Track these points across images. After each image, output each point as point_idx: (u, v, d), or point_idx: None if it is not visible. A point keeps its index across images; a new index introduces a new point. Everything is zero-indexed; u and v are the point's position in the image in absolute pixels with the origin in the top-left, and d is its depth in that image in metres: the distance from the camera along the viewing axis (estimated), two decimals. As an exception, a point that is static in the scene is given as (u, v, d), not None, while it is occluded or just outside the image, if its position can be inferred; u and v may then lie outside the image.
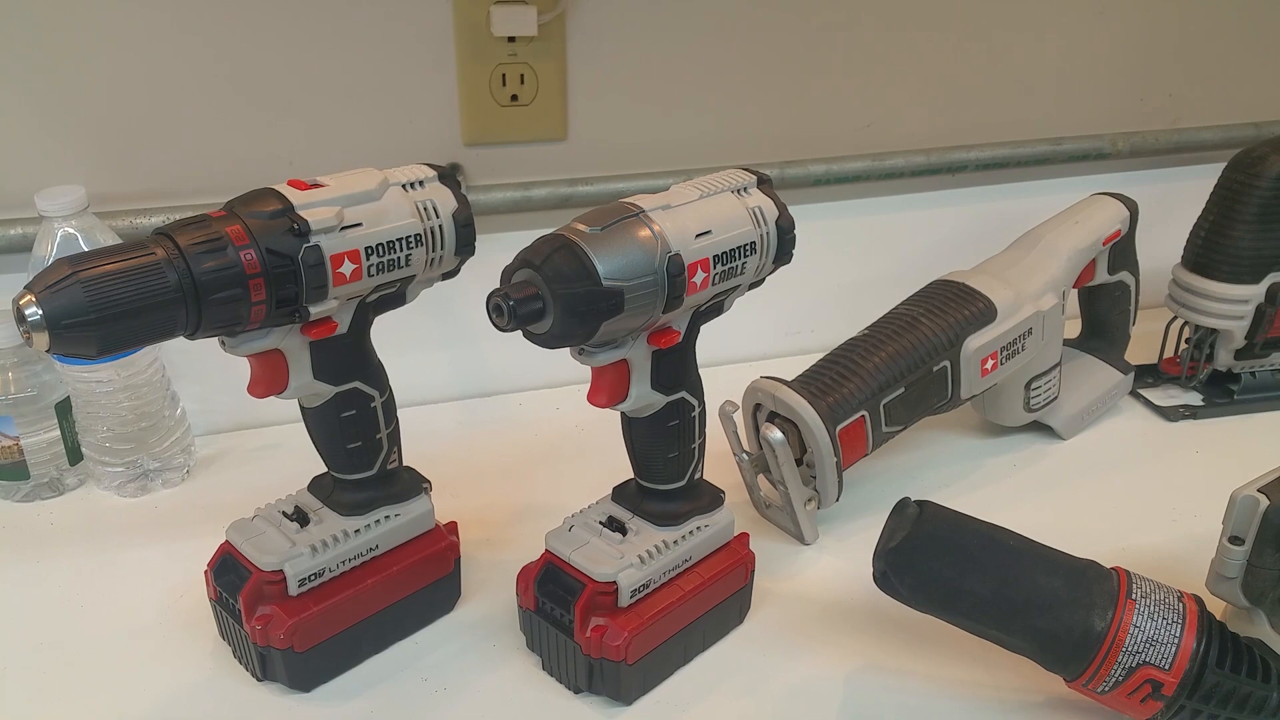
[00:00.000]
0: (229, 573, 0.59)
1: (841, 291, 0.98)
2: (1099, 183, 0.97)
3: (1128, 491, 0.79)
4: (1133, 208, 0.85)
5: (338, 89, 0.79)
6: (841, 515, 0.75)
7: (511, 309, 0.48)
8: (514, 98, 0.82)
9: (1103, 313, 0.89)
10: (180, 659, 0.62)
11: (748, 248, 0.55)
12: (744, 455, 0.72)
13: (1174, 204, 0.91)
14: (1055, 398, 0.84)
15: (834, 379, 0.71)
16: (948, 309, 0.75)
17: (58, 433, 0.75)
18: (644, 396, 0.56)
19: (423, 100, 0.81)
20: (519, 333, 0.50)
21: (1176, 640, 0.53)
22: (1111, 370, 0.89)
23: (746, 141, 0.91)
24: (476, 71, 0.80)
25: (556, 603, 0.58)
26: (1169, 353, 0.93)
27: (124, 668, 0.61)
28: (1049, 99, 0.98)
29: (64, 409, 0.74)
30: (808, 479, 0.71)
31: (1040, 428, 0.86)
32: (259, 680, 0.60)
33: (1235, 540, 0.56)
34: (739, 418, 0.72)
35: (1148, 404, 0.90)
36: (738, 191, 0.57)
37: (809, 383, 0.71)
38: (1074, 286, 0.85)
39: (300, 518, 0.60)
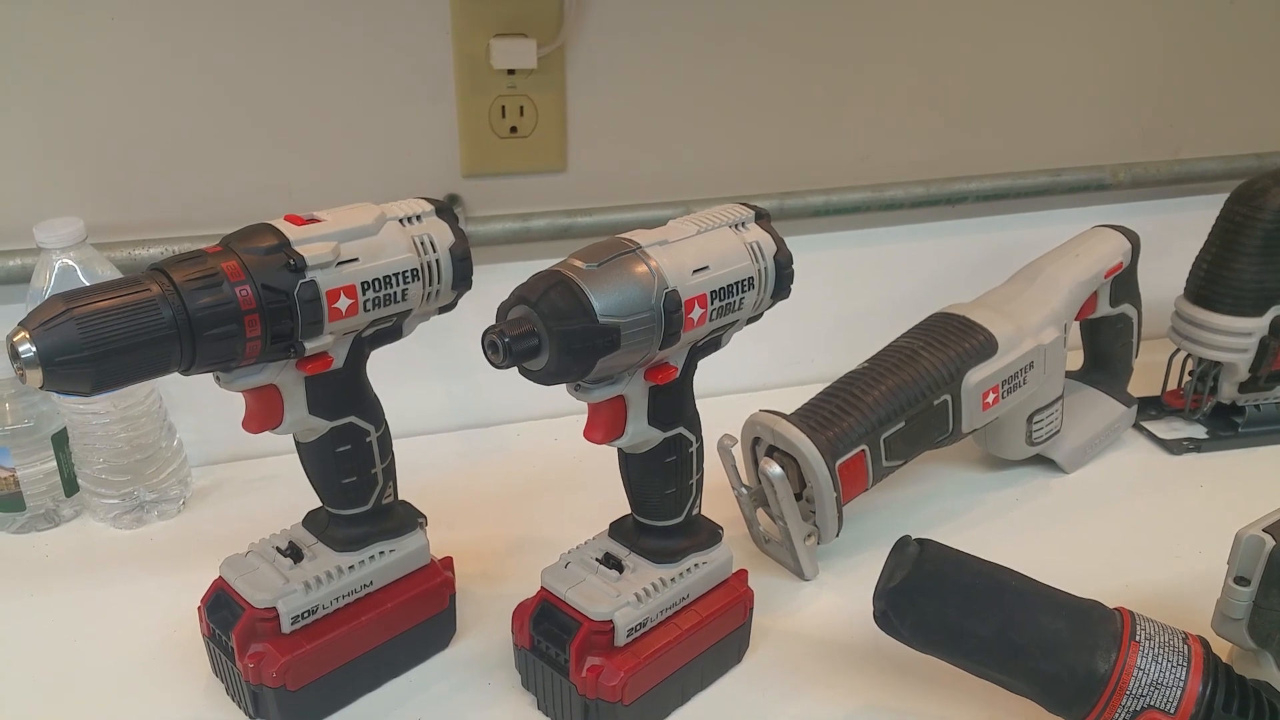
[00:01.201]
0: (222, 609, 0.58)
1: (841, 323, 0.97)
2: (1100, 214, 0.97)
3: (1131, 526, 0.79)
4: (1134, 240, 0.84)
5: (338, 120, 0.79)
6: (841, 550, 0.74)
7: (507, 346, 0.48)
8: (513, 129, 0.82)
9: (1105, 345, 0.89)
10: (172, 695, 0.61)
11: (745, 283, 0.55)
12: (743, 489, 0.72)
13: (1175, 235, 0.91)
14: (1058, 431, 0.83)
15: (833, 412, 0.71)
16: (948, 342, 0.75)
17: (54, 464, 0.74)
18: (641, 433, 0.56)
19: (422, 132, 0.81)
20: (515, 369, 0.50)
21: (1182, 684, 0.52)
22: (1114, 403, 0.88)
23: (746, 172, 0.91)
24: (476, 103, 0.80)
25: (552, 641, 0.57)
26: (1172, 385, 0.93)
27: (116, 703, 0.60)
28: (1049, 129, 0.98)
29: (60, 440, 0.74)
30: (807, 514, 0.70)
31: (1042, 461, 0.85)
32: (251, 718, 0.59)
33: (1241, 581, 0.55)
34: (737, 451, 0.72)
35: (1151, 437, 0.90)
36: (735, 226, 0.56)
37: (808, 416, 0.71)
38: (1076, 319, 0.85)
39: (294, 553, 0.59)
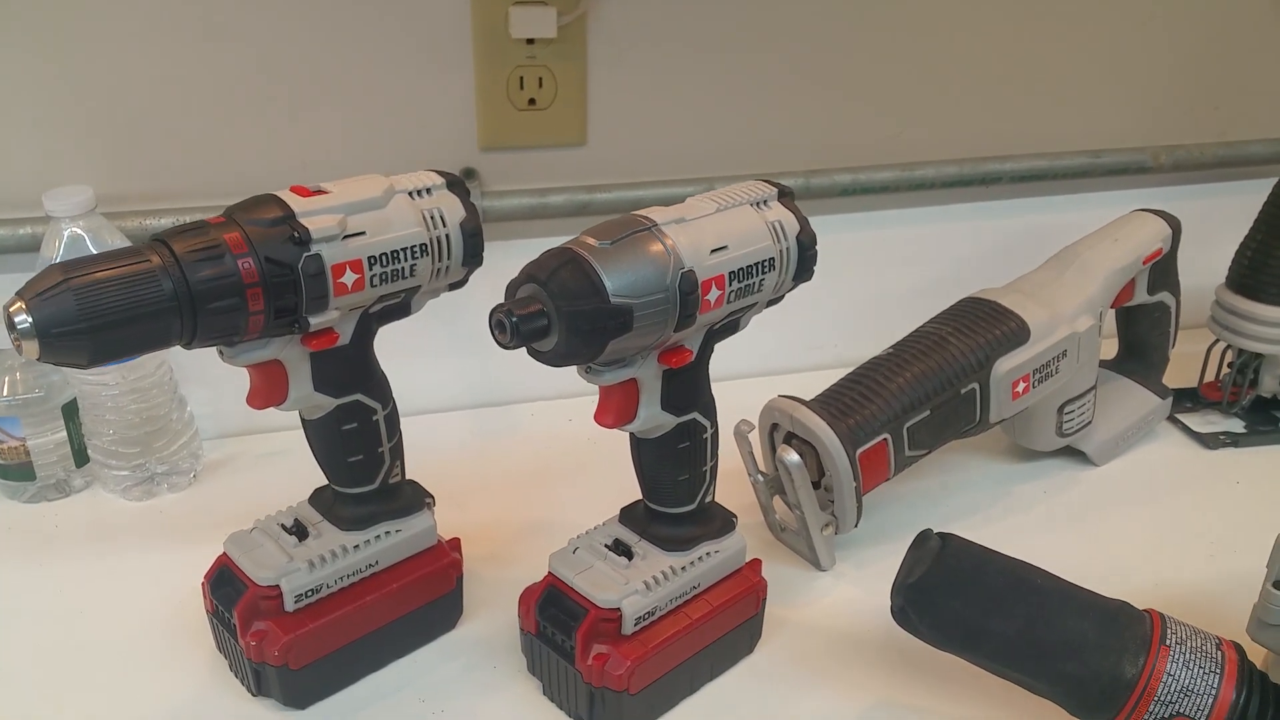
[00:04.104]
0: (225, 585, 0.57)
1: (867, 306, 0.95)
2: (1140, 197, 0.93)
3: (1163, 523, 0.76)
4: (1175, 225, 0.81)
5: (352, 90, 0.77)
6: (861, 541, 0.72)
7: (514, 326, 0.46)
8: (532, 101, 0.80)
9: (1141, 334, 0.86)
10: (176, 670, 0.60)
11: (766, 264, 0.53)
12: (759, 476, 0.70)
13: (1219, 221, 0.88)
14: (1089, 422, 0.81)
15: (856, 399, 0.69)
16: (978, 329, 0.72)
17: (64, 435, 0.74)
18: (653, 417, 0.54)
19: (439, 103, 0.79)
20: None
21: (1214, 691, 0.50)
22: (1148, 394, 0.85)
23: (771, 149, 0.88)
24: (494, 74, 0.78)
25: (558, 628, 0.56)
26: (1210, 377, 0.90)
27: (119, 676, 0.60)
28: (1089, 109, 0.94)
29: (71, 411, 0.73)
30: (825, 503, 0.69)
31: (1072, 453, 0.83)
32: (254, 695, 0.58)
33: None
34: (755, 437, 0.70)
35: (1186, 430, 0.87)
36: (757, 204, 0.54)
37: (829, 403, 0.69)
38: (1111, 307, 0.82)
39: (299, 531, 0.58)
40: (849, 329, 0.95)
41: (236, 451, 0.82)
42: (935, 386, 0.70)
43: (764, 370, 0.93)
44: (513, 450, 0.83)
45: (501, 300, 0.47)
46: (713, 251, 0.51)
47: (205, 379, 0.80)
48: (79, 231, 0.66)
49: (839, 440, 0.66)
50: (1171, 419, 0.88)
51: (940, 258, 0.95)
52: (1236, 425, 0.87)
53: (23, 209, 0.72)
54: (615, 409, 0.53)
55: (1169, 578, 0.70)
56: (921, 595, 0.53)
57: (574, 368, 0.52)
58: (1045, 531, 0.75)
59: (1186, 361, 0.90)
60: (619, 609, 0.54)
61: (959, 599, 0.53)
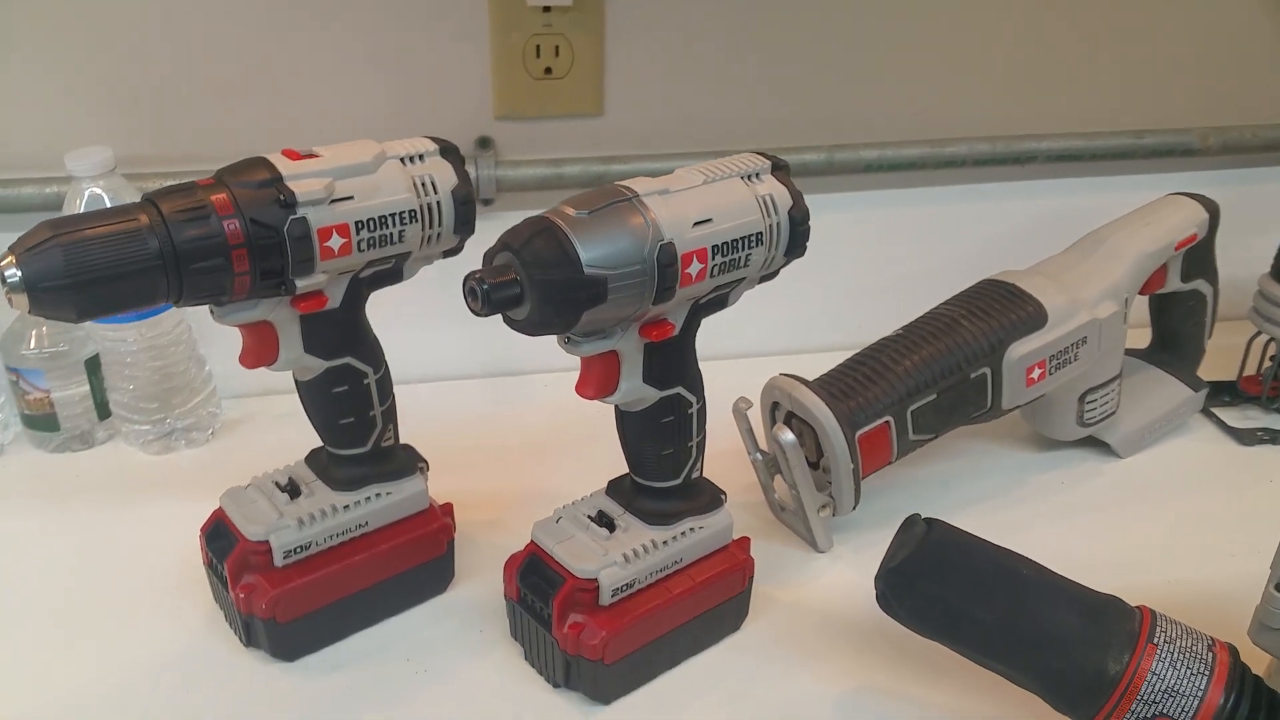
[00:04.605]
0: (220, 539, 0.59)
1: (893, 285, 0.93)
2: (1183, 181, 0.89)
3: (1185, 519, 0.74)
4: (1213, 210, 0.78)
5: (368, 56, 0.78)
6: (862, 524, 0.71)
7: (485, 294, 0.46)
8: (548, 70, 0.79)
9: (1174, 323, 0.83)
10: (175, 618, 0.62)
11: (753, 238, 0.52)
12: (758, 455, 0.69)
13: (1268, 208, 0.84)
14: (1113, 413, 0.78)
15: (859, 381, 0.67)
16: (992, 311, 0.70)
17: (87, 388, 0.76)
18: (634, 390, 0.54)
19: (455, 71, 0.79)
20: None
21: (1200, 693, 0.48)
22: (1180, 386, 0.82)
23: (793, 122, 0.86)
24: (509, 42, 0.78)
25: (538, 595, 0.56)
26: (1250, 370, 0.86)
27: (121, 621, 0.62)
28: (1132, 86, 0.90)
29: (93, 365, 0.76)
30: (824, 484, 0.68)
31: (1096, 443, 0.80)
32: (245, 646, 0.60)
33: (1282, 588, 0.51)
34: (754, 415, 0.69)
35: (1221, 424, 0.84)
36: (748, 177, 0.53)
37: (831, 383, 0.68)
38: (1143, 293, 0.79)
39: (292, 489, 0.60)
40: (872, 309, 0.92)
41: (255, 411, 0.84)
42: (943, 370, 0.68)
43: (783, 349, 0.92)
44: (524, 419, 0.83)
45: (468, 273, 0.47)
46: (696, 224, 0.50)
47: (225, 337, 0.81)
48: (99, 191, 0.68)
49: (836, 421, 0.65)
50: (1206, 413, 0.85)
51: (970, 238, 0.93)
52: (1276, 421, 0.83)
53: (48, 169, 0.74)
54: (596, 381, 0.53)
55: (1183, 575, 0.67)
56: (902, 579, 0.52)
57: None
58: (1058, 522, 0.73)
59: (1227, 354, 0.86)
60: (596, 579, 0.55)
61: (940, 585, 0.52)
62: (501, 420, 0.83)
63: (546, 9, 0.77)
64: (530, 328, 0.48)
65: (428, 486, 0.63)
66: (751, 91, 0.85)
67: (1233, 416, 0.84)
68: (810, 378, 0.68)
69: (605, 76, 0.82)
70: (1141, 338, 0.86)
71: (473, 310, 0.47)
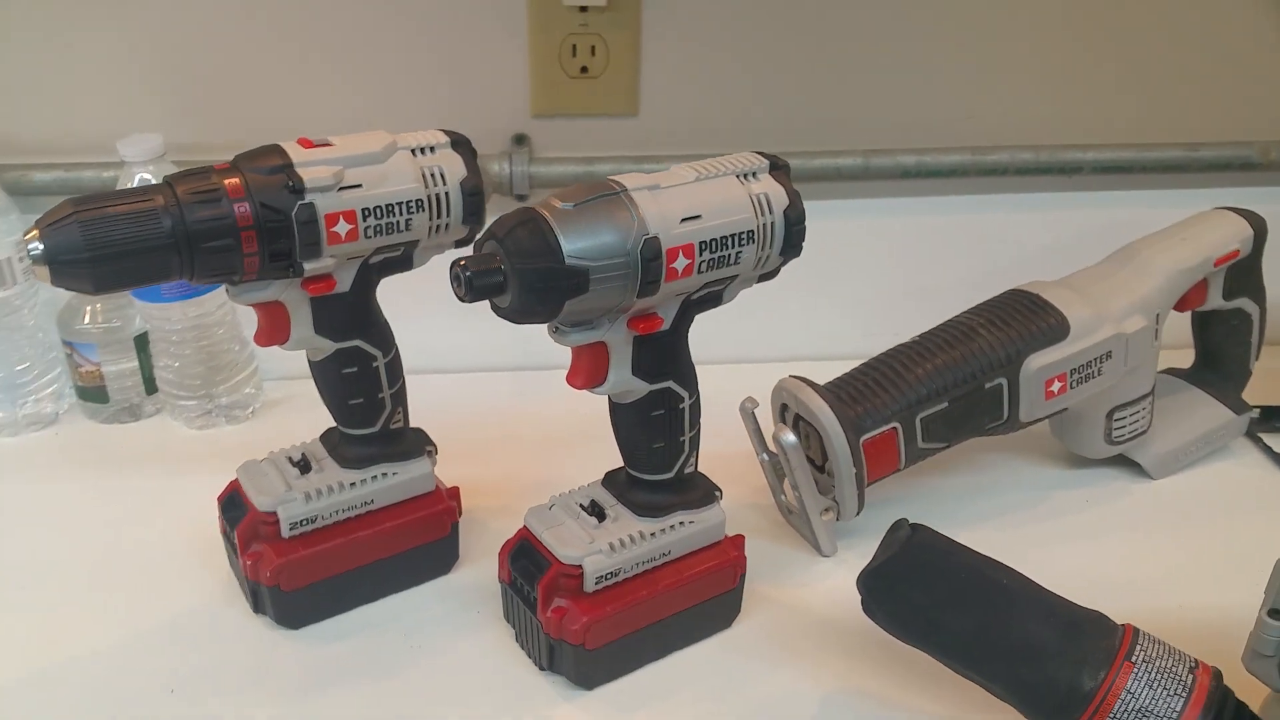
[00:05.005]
0: (234, 509, 0.62)
1: (929, 293, 0.90)
2: (1240, 197, 0.86)
3: (1210, 544, 0.71)
4: (1259, 226, 0.75)
5: (411, 51, 0.80)
6: (871, 531, 0.69)
7: (468, 280, 0.48)
8: (584, 69, 0.81)
9: (1217, 343, 0.80)
10: (193, 583, 0.65)
11: (743, 236, 0.53)
12: (764, 456, 0.69)
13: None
14: (1144, 431, 0.76)
15: (868, 386, 0.67)
16: (1012, 322, 0.69)
17: (136, 364, 0.80)
18: (623, 382, 0.55)
19: (493, 68, 0.81)
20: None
21: (1175, 715, 0.47)
22: (1221, 408, 0.79)
23: (830, 126, 0.86)
24: (546, 41, 0.80)
25: (526, 579, 0.57)
26: (1301, 395, 0.83)
27: (143, 583, 0.66)
28: (1188, 96, 0.87)
29: (142, 342, 0.80)
30: (828, 487, 0.67)
31: (1130, 464, 0.78)
32: (254, 613, 0.63)
33: (1275, 614, 0.49)
34: (761, 415, 0.69)
35: (1268, 451, 0.80)
36: (744, 176, 0.54)
37: (840, 388, 0.68)
38: (1182, 309, 0.77)
39: (304, 465, 0.62)
40: (908, 314, 0.90)
41: (296, 393, 0.87)
42: (957, 378, 0.67)
43: (820, 354, 0.91)
44: (543, 412, 0.85)
45: (453, 260, 0.49)
46: (684, 220, 0.51)
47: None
48: (148, 176, 0.72)
49: (840, 425, 0.64)
50: (1254, 438, 0.82)
51: (1012, 250, 0.91)
52: (1327, 449, 0.80)
53: (100, 154, 0.79)
54: (584, 371, 0.54)
55: (1197, 601, 0.65)
56: (880, 583, 0.52)
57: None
58: (1075, 540, 0.71)
59: (1276, 378, 0.83)
60: (580, 566, 0.56)
61: (918, 589, 0.52)
62: (522, 412, 0.85)
63: (583, 9, 0.79)
64: (514, 315, 0.50)
65: (435, 470, 0.65)
66: (787, 94, 0.85)
67: (1281, 443, 0.81)
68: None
69: (640, 76, 0.83)
70: (1186, 358, 0.84)
71: (458, 296, 0.49)
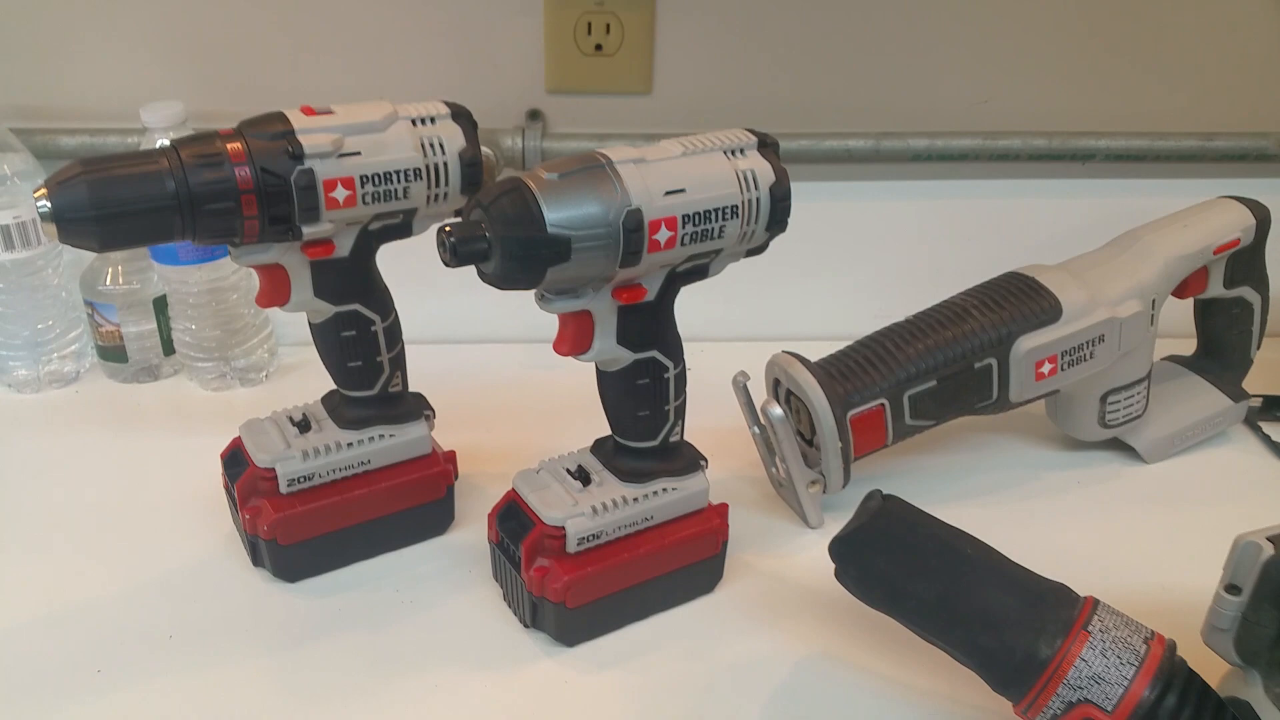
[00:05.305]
0: (236, 465, 0.64)
1: (937, 277, 0.90)
2: (1255, 187, 0.85)
3: (1199, 527, 0.71)
4: (1262, 215, 0.75)
5: (430, 26, 0.82)
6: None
7: (453, 246, 0.49)
8: (598, 47, 0.82)
9: (1217, 331, 0.80)
10: (198, 536, 0.68)
11: (727, 211, 0.54)
12: (755, 429, 0.71)
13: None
14: (1138, 416, 0.76)
15: (858, 364, 0.68)
16: (1005, 304, 0.70)
17: (154, 325, 0.83)
18: (608, 350, 0.56)
19: (510, 45, 0.83)
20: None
21: (1125, 683, 0.48)
22: (1219, 395, 0.79)
23: (842, 108, 0.87)
24: (561, 18, 0.81)
25: (512, 539, 0.59)
26: (1305, 386, 0.82)
27: (149, 535, 0.68)
28: (1204, 85, 0.87)
29: (161, 304, 0.83)
30: (817, 461, 0.69)
31: (1125, 447, 0.78)
32: (254, 566, 0.65)
33: (1232, 589, 0.50)
34: (753, 388, 0.70)
35: (1266, 440, 0.80)
36: (731, 152, 0.55)
37: (831, 365, 0.69)
38: (1182, 296, 0.77)
39: (303, 424, 0.64)
40: (919, 296, 0.91)
41: (310, 358, 0.86)
42: (946, 358, 0.68)
43: (831, 334, 0.92)
44: (553, 382, 0.86)
45: (439, 225, 0.51)
46: (667, 194, 0.52)
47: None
48: (168, 142, 0.74)
49: (826, 400, 0.66)
50: (1253, 426, 0.81)
51: (1022, 235, 0.91)
52: (1328, 440, 0.80)
53: (124, 120, 0.82)
54: (570, 338, 0.56)
55: (1179, 581, 0.65)
56: (848, 549, 0.54)
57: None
58: (1061, 519, 0.72)
59: (1281, 367, 0.83)
60: (563, 527, 0.57)
61: (884, 556, 0.53)
62: (532, 382, 0.87)
63: (597, -12, 0.80)
64: (498, 281, 0.51)
65: (434, 434, 0.67)
66: (799, 75, 0.86)
67: (1281, 432, 0.81)
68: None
69: (655, 55, 0.84)
70: (1190, 346, 0.84)
71: (444, 261, 0.51)
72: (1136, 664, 0.48)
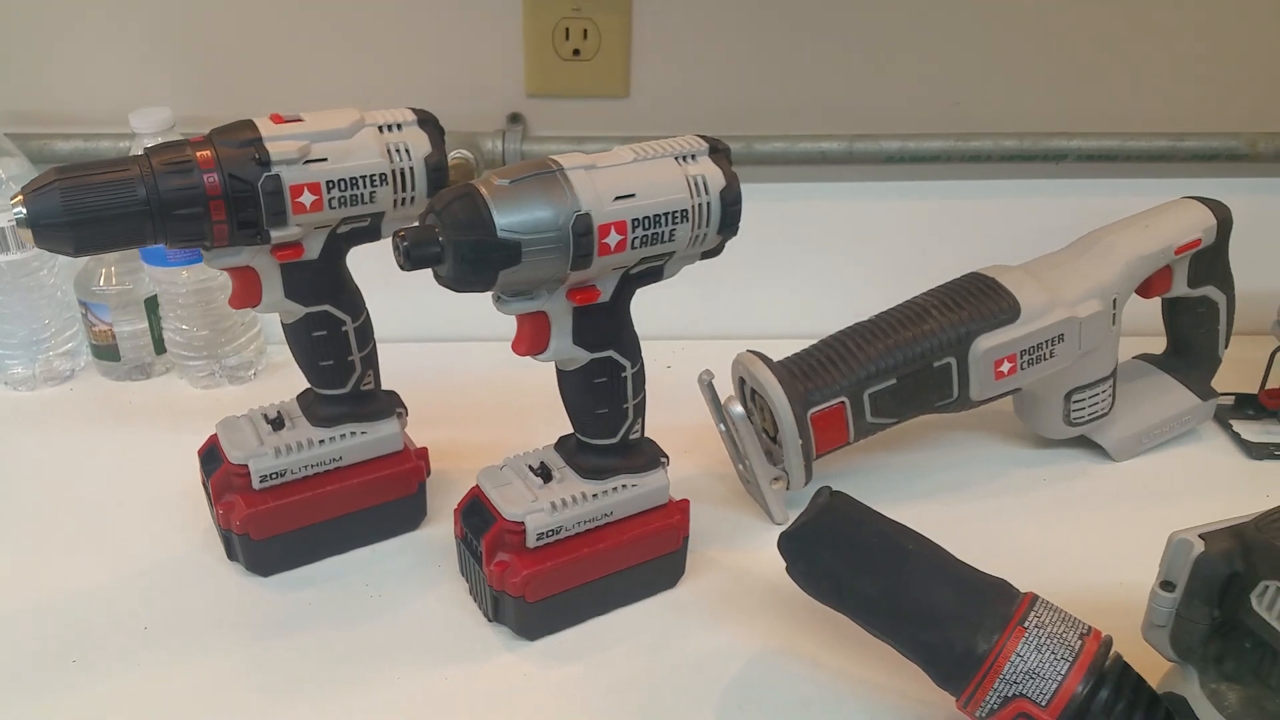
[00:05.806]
0: (212, 461, 0.66)
1: (910, 277, 0.91)
2: (1226, 188, 0.86)
3: (1163, 525, 0.70)
4: (1223, 216, 0.76)
5: (412, 31, 0.84)
6: (824, 501, 0.73)
7: (406, 250, 0.51)
8: (576, 52, 0.84)
9: (1184, 330, 0.81)
10: (177, 531, 0.70)
11: (676, 215, 0.55)
12: (722, 426, 0.72)
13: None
14: (1104, 414, 0.77)
15: (820, 363, 0.70)
16: (964, 304, 0.71)
17: (146, 324, 0.86)
18: (565, 350, 0.58)
19: (489, 49, 0.85)
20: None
21: (1059, 678, 0.49)
22: (1186, 394, 0.80)
23: (816, 109, 0.88)
24: (540, 23, 0.83)
25: (475, 534, 0.61)
26: (1274, 384, 0.83)
27: (137, 529, 0.71)
28: (1177, 84, 0.88)
29: (152, 304, 0.85)
30: (781, 458, 0.70)
31: (1095, 445, 0.79)
32: (229, 560, 0.67)
33: (1166, 586, 0.51)
34: (719, 386, 0.72)
35: (1235, 437, 0.81)
36: (681, 158, 0.57)
37: (793, 364, 0.70)
38: (1146, 295, 0.78)
39: (278, 422, 0.67)
40: (896, 296, 0.93)
41: None
42: (906, 358, 0.69)
43: (811, 333, 0.94)
44: (534, 381, 0.86)
45: (395, 230, 0.53)
46: (617, 199, 0.54)
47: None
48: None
49: (786, 398, 0.67)
50: (1223, 424, 0.82)
51: (994, 236, 0.91)
52: (1295, 437, 0.81)
53: (113, 126, 0.84)
54: (527, 339, 0.58)
55: (1139, 579, 0.65)
56: (796, 545, 0.55)
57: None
58: (1023, 516, 0.73)
59: (1251, 366, 0.83)
60: (523, 523, 0.59)
61: (830, 552, 0.54)
62: (505, 380, 0.87)
63: (576, -7, 0.82)
64: (452, 284, 0.53)
65: (407, 431, 0.69)
66: (774, 78, 0.87)
67: (1251, 430, 0.82)
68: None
69: (631, 59, 0.86)
70: (1159, 343, 0.84)
71: (399, 264, 0.52)
72: (1071, 659, 0.49)
